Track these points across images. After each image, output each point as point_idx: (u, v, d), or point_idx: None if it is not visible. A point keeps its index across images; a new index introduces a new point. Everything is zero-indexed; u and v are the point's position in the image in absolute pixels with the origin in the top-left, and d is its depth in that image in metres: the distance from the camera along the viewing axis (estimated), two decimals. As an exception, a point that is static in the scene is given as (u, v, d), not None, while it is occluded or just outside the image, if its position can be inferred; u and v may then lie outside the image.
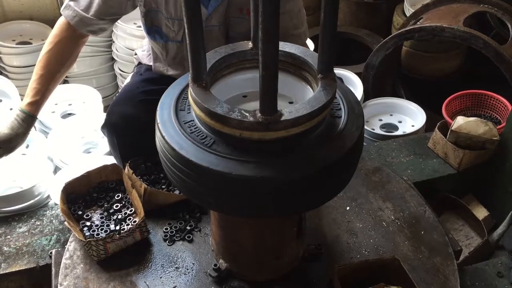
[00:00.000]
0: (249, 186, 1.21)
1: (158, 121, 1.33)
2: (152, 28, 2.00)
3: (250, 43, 1.43)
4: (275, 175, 1.20)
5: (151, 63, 2.18)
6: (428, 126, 2.68)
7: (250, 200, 1.26)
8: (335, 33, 1.25)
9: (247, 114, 1.20)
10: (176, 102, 1.37)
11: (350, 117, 1.34)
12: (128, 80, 2.30)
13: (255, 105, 1.30)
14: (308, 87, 1.41)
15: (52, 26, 2.01)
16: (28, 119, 1.91)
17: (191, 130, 1.29)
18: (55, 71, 1.94)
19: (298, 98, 1.45)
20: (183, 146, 1.25)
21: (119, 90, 2.74)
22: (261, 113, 1.19)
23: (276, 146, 1.24)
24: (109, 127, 1.97)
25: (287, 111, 1.21)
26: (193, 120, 1.32)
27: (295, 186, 1.24)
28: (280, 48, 1.40)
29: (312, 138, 1.27)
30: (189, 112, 1.34)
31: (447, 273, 1.71)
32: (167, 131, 1.29)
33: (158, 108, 1.37)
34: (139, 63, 2.31)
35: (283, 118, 1.19)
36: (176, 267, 1.72)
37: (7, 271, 1.82)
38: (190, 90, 1.28)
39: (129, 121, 1.94)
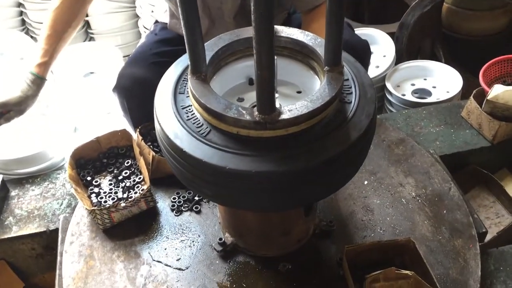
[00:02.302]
0: (244, 180, 1.12)
1: (156, 105, 1.26)
2: None
3: None
4: (272, 170, 1.10)
5: (167, 21, 2.08)
6: (467, 92, 2.48)
7: (246, 194, 1.18)
8: (342, 21, 1.12)
9: (244, 112, 1.11)
10: (176, 85, 1.29)
11: (361, 102, 1.21)
12: (142, 39, 2.21)
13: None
14: (316, 77, 1.30)
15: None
16: (37, 80, 1.87)
17: (187, 116, 1.21)
18: (62, 31, 1.87)
19: (307, 88, 1.35)
20: (178, 135, 1.17)
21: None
22: (258, 112, 1.10)
23: (275, 141, 1.14)
24: (119, 90, 1.91)
25: (287, 109, 1.12)
26: (191, 105, 1.23)
27: (294, 181, 1.14)
28: (288, 35, 1.32)
29: (316, 129, 1.16)
30: (188, 96, 1.25)
31: (468, 257, 1.60)
32: (163, 116, 1.22)
33: (157, 89, 1.30)
34: (156, 21, 2.22)
35: (281, 117, 1.10)
36: (182, 239, 1.67)
37: (18, 234, 1.83)
38: (188, 82, 1.20)
39: (140, 84, 1.87)
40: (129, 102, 1.94)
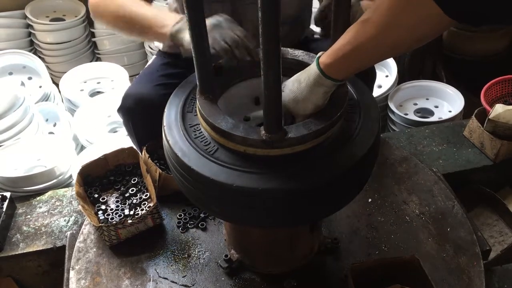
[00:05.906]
0: (251, 197, 1.15)
1: (164, 124, 1.29)
2: None
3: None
4: (278, 187, 1.13)
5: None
6: (469, 112, 2.51)
7: (253, 211, 1.20)
8: None
9: (251, 131, 1.15)
10: (184, 103, 1.33)
11: (365, 122, 1.25)
12: (150, 61, 2.25)
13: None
14: None
15: (84, 3, 1.96)
16: None
17: (195, 135, 1.24)
18: None
19: None
20: (185, 153, 1.20)
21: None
22: (265, 131, 1.14)
23: (281, 159, 1.17)
24: (124, 111, 1.93)
25: (293, 128, 1.16)
26: (199, 124, 1.27)
27: (300, 199, 1.16)
28: (294, 57, 1.36)
29: (322, 147, 1.20)
30: (196, 115, 1.29)
31: (472, 274, 1.60)
32: (172, 135, 1.25)
33: (166, 109, 1.33)
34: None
35: (288, 136, 1.14)
36: (188, 256, 1.69)
37: (25, 251, 1.84)
38: (197, 102, 1.25)
39: (144, 105, 1.89)
40: (133, 123, 1.95)
